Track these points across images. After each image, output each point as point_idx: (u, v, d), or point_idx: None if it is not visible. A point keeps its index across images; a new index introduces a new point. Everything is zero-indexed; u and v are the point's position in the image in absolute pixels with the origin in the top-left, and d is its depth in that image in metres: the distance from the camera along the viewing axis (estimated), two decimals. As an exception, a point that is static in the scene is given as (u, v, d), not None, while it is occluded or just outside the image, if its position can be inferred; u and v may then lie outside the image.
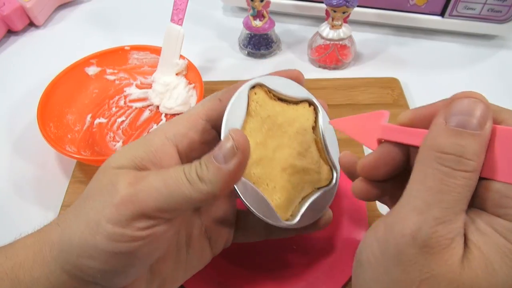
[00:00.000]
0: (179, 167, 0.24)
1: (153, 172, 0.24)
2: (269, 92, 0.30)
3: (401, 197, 0.21)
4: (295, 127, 0.31)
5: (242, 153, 0.23)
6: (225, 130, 0.27)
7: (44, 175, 0.45)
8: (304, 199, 0.31)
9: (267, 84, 0.30)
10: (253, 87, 0.30)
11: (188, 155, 0.28)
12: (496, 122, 0.20)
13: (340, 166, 0.28)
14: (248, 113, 0.29)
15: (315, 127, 0.32)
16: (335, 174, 0.32)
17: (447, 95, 0.22)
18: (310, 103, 0.32)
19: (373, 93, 0.52)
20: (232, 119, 0.28)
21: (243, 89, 0.29)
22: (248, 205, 0.27)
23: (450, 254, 0.19)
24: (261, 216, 0.28)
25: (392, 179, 0.25)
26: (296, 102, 0.32)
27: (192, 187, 0.23)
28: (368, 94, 0.52)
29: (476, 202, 0.21)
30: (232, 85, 0.29)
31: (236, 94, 0.28)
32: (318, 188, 0.31)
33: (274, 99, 0.31)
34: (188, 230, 0.30)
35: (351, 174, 0.28)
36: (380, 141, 0.25)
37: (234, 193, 0.27)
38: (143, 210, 0.23)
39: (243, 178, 0.27)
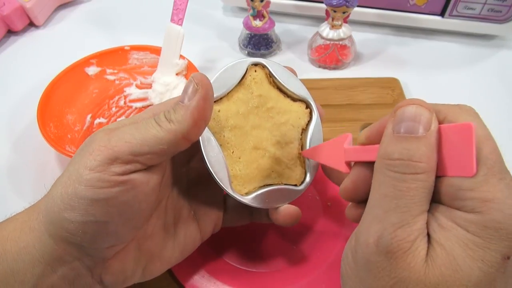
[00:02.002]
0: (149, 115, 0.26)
1: (127, 124, 0.26)
2: (270, 77, 0.30)
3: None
4: (283, 118, 0.31)
5: (203, 88, 0.25)
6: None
7: (44, 175, 0.45)
8: (266, 186, 0.31)
9: (270, 69, 0.30)
10: (255, 64, 0.30)
11: None
12: (440, 120, 0.21)
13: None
14: (241, 84, 0.29)
15: (304, 130, 0.32)
16: (307, 179, 0.32)
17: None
18: (307, 105, 0.32)
19: (373, 93, 0.52)
20: (221, 81, 0.28)
21: (243, 61, 0.29)
22: (205, 158, 0.28)
23: (412, 256, 0.19)
24: (213, 173, 0.28)
25: None
26: (294, 98, 0.32)
27: (161, 127, 0.24)
28: (368, 94, 0.52)
29: (437, 198, 0.21)
30: None
31: (235, 62, 0.29)
32: (285, 184, 0.31)
33: (273, 85, 0.31)
34: (176, 211, 0.31)
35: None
36: (349, 163, 0.26)
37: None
38: (117, 154, 0.23)
39: (211, 135, 0.28)
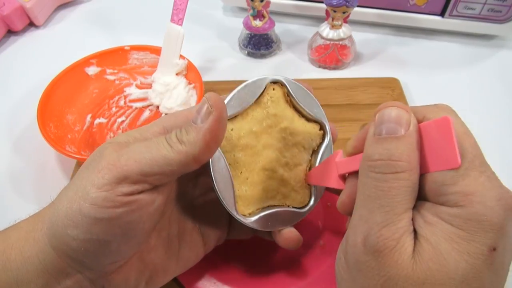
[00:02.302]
0: (161, 135, 0.25)
1: (137, 141, 0.25)
2: (287, 96, 0.30)
3: None
4: (295, 139, 0.31)
5: (217, 111, 0.24)
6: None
7: (44, 175, 0.45)
8: (270, 207, 0.31)
9: (289, 87, 0.30)
10: (275, 82, 0.30)
11: None
12: (419, 119, 0.22)
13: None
14: (257, 101, 0.29)
15: (315, 152, 0.32)
16: (311, 202, 0.32)
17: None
18: (321, 127, 0.32)
19: (373, 93, 0.52)
20: (238, 98, 0.28)
21: (263, 79, 0.29)
22: (213, 178, 0.28)
23: (399, 253, 0.19)
24: (219, 194, 0.28)
25: None
26: (308, 118, 0.32)
27: (172, 148, 0.24)
28: (368, 94, 0.52)
29: (422, 196, 0.21)
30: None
31: (254, 79, 0.28)
32: (289, 206, 0.31)
33: (289, 104, 0.31)
34: (181, 224, 0.31)
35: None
36: (342, 178, 0.26)
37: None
38: (126, 173, 0.23)
39: (221, 155, 0.28)
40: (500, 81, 0.55)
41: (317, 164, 0.31)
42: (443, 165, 0.20)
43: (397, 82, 0.53)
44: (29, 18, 0.63)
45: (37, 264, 0.24)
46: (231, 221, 0.33)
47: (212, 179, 0.28)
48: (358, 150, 0.24)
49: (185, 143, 0.24)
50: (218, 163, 0.28)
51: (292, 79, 0.30)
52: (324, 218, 0.38)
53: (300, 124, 0.31)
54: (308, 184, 0.32)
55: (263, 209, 0.30)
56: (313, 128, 0.32)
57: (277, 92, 0.30)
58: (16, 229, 0.25)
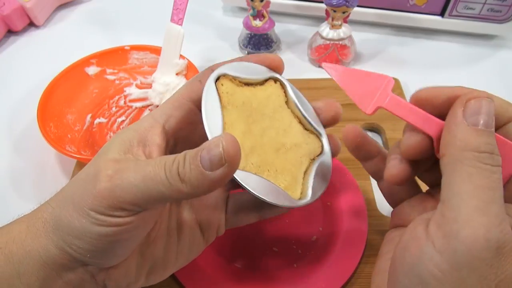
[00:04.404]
0: (160, 159, 0.23)
1: (133, 165, 0.24)
2: (234, 80, 0.30)
3: (443, 199, 0.21)
4: (270, 106, 0.31)
5: (230, 166, 0.22)
6: (209, 130, 0.27)
7: (44, 175, 0.45)
8: (305, 173, 0.30)
9: (229, 73, 0.30)
10: (218, 78, 0.29)
11: (176, 134, 0.29)
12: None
13: (346, 142, 0.29)
14: (222, 106, 0.28)
15: (287, 101, 0.32)
16: (324, 140, 0.32)
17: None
18: (275, 80, 0.32)
19: (373, 93, 0.52)
20: (211, 116, 0.27)
21: (209, 84, 0.28)
22: (264, 198, 0.27)
23: None
24: (277, 203, 0.27)
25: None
26: (261, 82, 0.31)
27: (171, 186, 0.22)
28: (368, 94, 0.52)
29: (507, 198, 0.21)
30: (209, 67, 0.30)
31: (205, 90, 0.28)
32: (314, 159, 0.31)
33: (241, 85, 0.31)
34: (179, 217, 0.31)
35: (358, 147, 0.29)
36: (377, 108, 0.25)
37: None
38: (120, 204, 0.23)
39: (245, 172, 0.27)
40: (500, 81, 0.55)
41: (297, 109, 0.31)
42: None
43: (397, 82, 0.53)
44: (29, 18, 0.63)
45: (38, 258, 0.24)
46: (228, 208, 0.33)
47: (262, 198, 0.26)
48: (421, 105, 0.25)
49: (186, 183, 0.22)
50: (250, 181, 0.26)
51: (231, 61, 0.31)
52: (324, 218, 0.38)
53: (262, 92, 0.31)
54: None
55: (304, 180, 0.30)
56: (271, 85, 0.31)
57: (226, 84, 0.30)
58: (18, 223, 0.26)
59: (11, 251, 0.24)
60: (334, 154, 0.32)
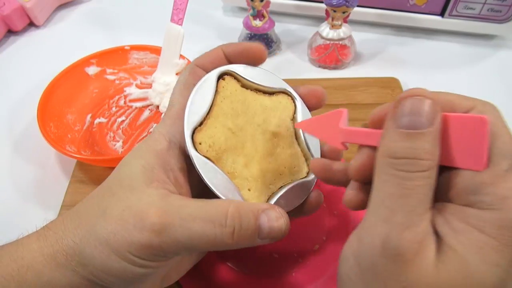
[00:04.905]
0: (206, 213, 0.23)
1: (178, 220, 0.23)
2: (239, 80, 0.29)
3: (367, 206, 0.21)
4: (271, 115, 0.30)
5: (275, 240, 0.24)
6: (187, 125, 0.27)
7: (44, 175, 0.45)
8: (281, 188, 0.29)
9: (237, 72, 0.29)
10: (222, 76, 0.29)
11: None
12: (447, 110, 0.20)
13: (314, 173, 0.27)
14: (215, 103, 0.28)
15: (293, 119, 0.31)
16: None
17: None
18: (288, 94, 0.31)
19: (373, 93, 0.52)
20: (197, 104, 0.27)
21: (210, 77, 0.28)
22: (218, 195, 0.26)
23: (421, 258, 0.18)
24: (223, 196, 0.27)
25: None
26: (272, 92, 0.31)
27: (218, 243, 0.23)
28: (368, 94, 0.52)
29: (447, 196, 0.20)
30: (193, 62, 0.30)
31: (201, 81, 0.28)
32: (296, 180, 0.30)
33: (246, 88, 0.30)
34: None
35: (327, 179, 0.27)
36: (344, 143, 0.25)
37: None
38: (164, 254, 0.24)
39: (216, 167, 0.27)
40: (500, 81, 0.55)
41: (300, 132, 0.30)
42: (467, 164, 0.19)
43: (397, 82, 0.53)
44: (29, 18, 0.63)
45: (59, 287, 0.24)
46: None
47: (218, 196, 0.27)
48: (376, 126, 0.23)
49: (235, 241, 0.24)
50: (215, 178, 0.27)
51: (242, 65, 0.30)
52: (330, 227, 0.37)
53: (267, 101, 0.30)
54: (303, 156, 0.31)
55: (274, 194, 0.29)
56: (281, 98, 0.31)
57: (230, 82, 0.29)
58: (30, 251, 0.24)
59: (25, 279, 0.23)
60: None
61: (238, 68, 0.29)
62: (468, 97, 0.21)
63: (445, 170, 0.20)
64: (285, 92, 0.31)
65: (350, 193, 0.24)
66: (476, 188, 0.19)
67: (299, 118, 0.31)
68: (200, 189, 0.27)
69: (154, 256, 0.24)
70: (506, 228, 0.18)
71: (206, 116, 0.28)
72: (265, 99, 0.30)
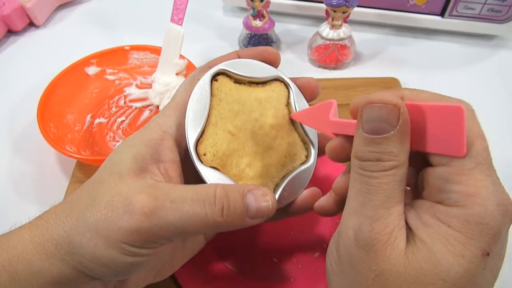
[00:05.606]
0: (196, 194, 0.24)
1: (169, 203, 0.23)
2: (232, 77, 0.30)
3: None
4: (267, 107, 0.30)
5: (264, 219, 0.25)
6: (189, 132, 0.27)
7: (44, 175, 0.45)
8: (283, 178, 0.30)
9: (229, 69, 0.29)
10: (215, 77, 0.29)
11: (184, 142, 0.28)
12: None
13: (331, 158, 0.28)
14: (211, 103, 0.28)
15: (288, 104, 0.31)
16: (312, 150, 0.31)
17: (447, 94, 0.22)
18: (281, 81, 0.31)
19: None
20: (196, 111, 0.27)
21: (204, 79, 0.28)
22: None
23: (391, 248, 0.20)
24: None
25: None
26: (265, 82, 0.31)
27: (209, 223, 0.24)
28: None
29: (422, 193, 0.22)
30: (206, 63, 0.29)
31: (197, 85, 0.28)
32: (296, 167, 0.30)
33: (240, 83, 0.30)
34: None
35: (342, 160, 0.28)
36: (335, 133, 0.26)
37: None
38: (155, 239, 0.23)
39: (222, 174, 0.27)
40: (500, 81, 0.55)
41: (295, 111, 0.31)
42: (446, 150, 0.20)
43: (397, 82, 0.53)
44: (29, 18, 0.63)
45: (49, 277, 0.24)
46: None
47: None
48: (355, 117, 0.24)
49: (225, 221, 0.24)
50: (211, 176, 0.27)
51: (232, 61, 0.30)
52: (329, 233, 0.37)
53: (261, 93, 0.30)
54: (301, 141, 0.31)
55: (277, 186, 0.29)
56: (274, 86, 0.31)
57: (223, 82, 0.29)
58: (21, 240, 0.24)
59: (16, 270, 0.23)
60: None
61: (229, 65, 0.29)
62: (443, 95, 0.22)
63: (421, 170, 0.22)
64: (277, 79, 0.31)
65: (324, 201, 0.28)
66: (445, 187, 0.20)
67: (293, 101, 0.31)
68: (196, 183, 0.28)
69: (144, 242, 0.23)
70: (471, 223, 0.19)
71: (206, 123, 0.28)
72: (259, 91, 0.30)
